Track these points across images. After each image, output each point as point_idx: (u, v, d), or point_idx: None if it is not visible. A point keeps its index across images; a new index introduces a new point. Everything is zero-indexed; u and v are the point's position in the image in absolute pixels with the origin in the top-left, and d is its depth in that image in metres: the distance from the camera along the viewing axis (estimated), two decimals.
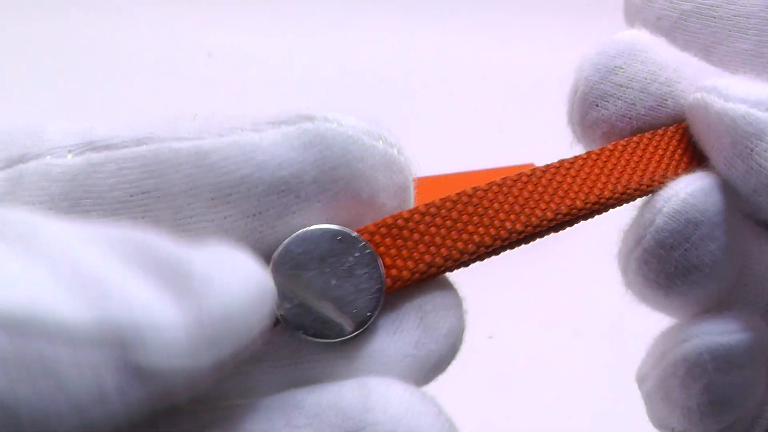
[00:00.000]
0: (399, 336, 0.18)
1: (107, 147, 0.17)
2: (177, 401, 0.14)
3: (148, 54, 0.68)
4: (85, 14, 0.70)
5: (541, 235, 0.19)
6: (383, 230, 0.18)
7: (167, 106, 0.62)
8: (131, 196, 0.17)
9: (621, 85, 0.20)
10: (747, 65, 0.22)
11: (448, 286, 0.19)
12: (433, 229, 0.19)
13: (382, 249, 0.18)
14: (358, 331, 0.18)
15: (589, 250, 0.53)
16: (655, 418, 0.23)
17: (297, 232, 0.18)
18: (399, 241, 0.18)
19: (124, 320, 0.12)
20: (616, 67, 0.20)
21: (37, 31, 0.67)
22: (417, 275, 0.18)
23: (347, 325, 0.18)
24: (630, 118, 0.20)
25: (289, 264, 0.18)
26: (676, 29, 0.22)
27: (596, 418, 0.47)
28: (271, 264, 0.18)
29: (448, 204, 0.19)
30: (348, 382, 0.16)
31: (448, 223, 0.19)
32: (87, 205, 0.17)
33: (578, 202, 0.19)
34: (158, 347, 0.12)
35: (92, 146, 0.17)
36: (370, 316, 0.18)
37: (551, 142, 0.72)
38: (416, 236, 0.18)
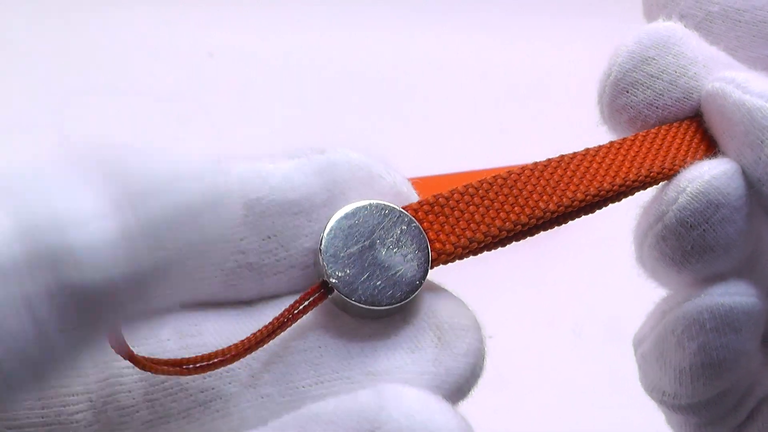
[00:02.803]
0: (417, 354, 0.18)
1: None
2: (127, 310, 0.13)
3: (148, 54, 0.68)
4: (85, 14, 0.70)
5: (572, 216, 0.20)
6: (425, 207, 0.19)
7: (167, 106, 0.62)
8: None
9: (652, 76, 0.21)
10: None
11: (465, 308, 0.20)
12: (472, 208, 0.20)
13: (425, 225, 0.19)
14: (407, 299, 0.18)
15: (589, 251, 0.53)
16: (647, 382, 0.23)
17: (345, 207, 0.19)
18: (441, 217, 0.19)
19: (45, 222, 0.12)
20: (649, 57, 0.21)
21: (37, 31, 0.67)
22: (460, 249, 0.19)
23: (397, 292, 0.18)
24: (657, 107, 0.21)
25: (340, 236, 0.18)
26: (700, 29, 0.23)
27: (596, 418, 0.47)
28: (323, 236, 0.18)
29: (485, 185, 0.20)
30: (364, 390, 0.16)
31: (486, 202, 0.20)
32: None
33: (606, 185, 0.20)
34: (85, 245, 0.12)
35: None
36: (419, 285, 0.19)
37: (551, 142, 0.72)
38: (457, 213, 0.19)
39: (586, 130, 0.75)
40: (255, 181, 0.19)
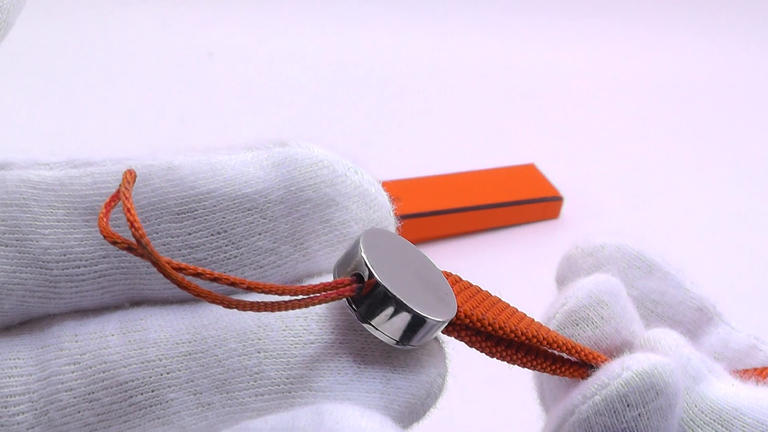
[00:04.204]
0: (365, 370, 0.17)
1: (87, 164, 0.18)
2: None
3: (148, 54, 0.68)
4: (85, 14, 0.70)
5: (550, 364, 0.20)
6: (451, 279, 0.19)
7: (168, 106, 0.62)
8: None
9: (603, 318, 0.22)
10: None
11: None
12: (487, 303, 0.19)
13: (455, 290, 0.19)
14: (447, 321, 0.17)
15: None
16: None
17: (372, 229, 0.18)
18: (465, 292, 0.19)
19: None
20: (603, 301, 0.22)
21: (37, 31, 0.67)
22: (486, 321, 0.18)
23: (445, 310, 0.17)
24: (598, 347, 0.22)
25: (376, 245, 0.17)
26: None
27: None
28: (361, 235, 0.17)
29: (502, 303, 0.20)
30: (303, 409, 0.15)
31: (497, 309, 0.20)
32: (59, 213, 0.18)
33: (579, 347, 0.21)
34: None
35: (73, 164, 0.18)
36: (445, 323, 0.17)
37: (551, 142, 0.72)
38: (476, 300, 0.19)
39: (585, 129, 0.75)
40: (207, 173, 0.18)
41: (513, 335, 0.19)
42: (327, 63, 0.70)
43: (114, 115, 0.61)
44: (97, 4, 0.71)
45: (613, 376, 0.19)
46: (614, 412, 0.19)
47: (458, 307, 0.18)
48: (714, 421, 0.20)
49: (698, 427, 0.20)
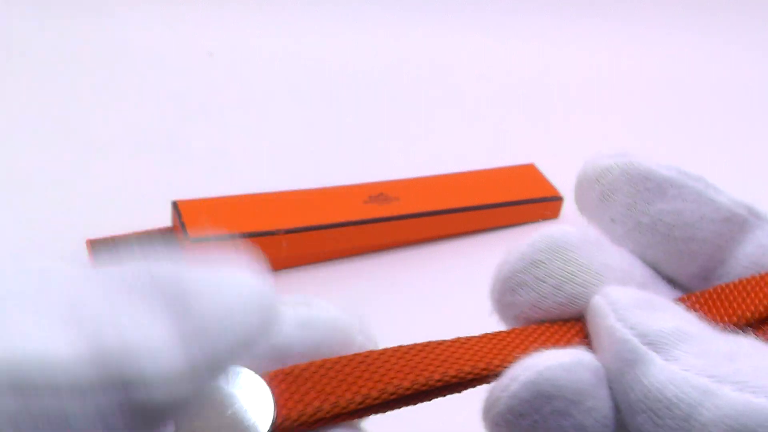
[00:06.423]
0: None
1: None
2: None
3: (148, 54, 0.68)
4: (85, 14, 0.70)
5: (428, 396, 0.20)
6: (280, 376, 0.20)
7: (167, 106, 0.62)
8: None
9: (538, 279, 0.21)
10: (690, 286, 0.22)
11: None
12: (325, 380, 0.20)
13: (277, 392, 0.19)
14: None
15: None
16: None
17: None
18: (293, 386, 0.19)
19: (119, 352, 0.14)
20: (538, 260, 0.21)
21: (37, 31, 0.67)
22: (304, 417, 0.19)
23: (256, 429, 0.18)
24: (540, 309, 0.21)
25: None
26: (628, 238, 0.23)
27: None
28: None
29: (343, 361, 0.20)
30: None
31: (340, 376, 0.20)
32: None
33: (467, 368, 0.20)
34: (155, 374, 0.14)
35: None
36: None
37: (551, 142, 0.72)
38: (309, 384, 0.20)
39: (585, 129, 0.75)
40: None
41: (354, 405, 0.19)
42: (327, 63, 0.70)
43: (113, 114, 0.61)
44: (97, 3, 0.71)
45: (502, 388, 0.19)
46: (509, 423, 0.19)
47: (277, 424, 0.18)
48: (649, 408, 0.19)
49: (636, 413, 0.19)
